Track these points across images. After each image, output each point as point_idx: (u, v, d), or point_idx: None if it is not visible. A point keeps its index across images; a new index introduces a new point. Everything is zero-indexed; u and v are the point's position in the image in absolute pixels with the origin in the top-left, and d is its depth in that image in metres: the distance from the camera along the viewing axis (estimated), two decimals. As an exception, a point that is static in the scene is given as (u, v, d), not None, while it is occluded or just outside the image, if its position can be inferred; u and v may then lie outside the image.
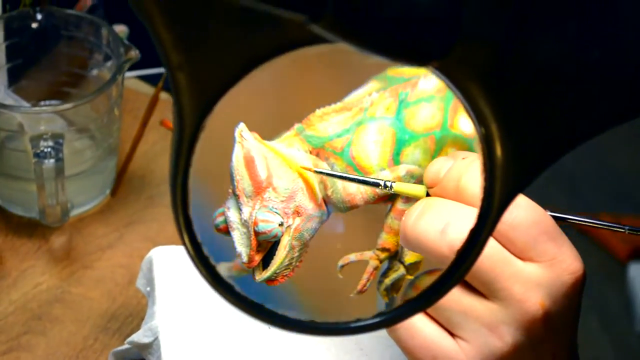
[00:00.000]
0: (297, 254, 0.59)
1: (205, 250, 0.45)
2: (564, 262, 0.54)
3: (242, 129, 0.58)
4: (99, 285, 0.84)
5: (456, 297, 0.54)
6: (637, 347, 1.68)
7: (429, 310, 0.55)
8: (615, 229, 0.55)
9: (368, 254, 0.61)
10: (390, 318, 0.46)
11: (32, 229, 0.88)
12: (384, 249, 0.60)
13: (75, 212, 0.90)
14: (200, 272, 0.45)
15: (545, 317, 0.53)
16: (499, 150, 0.44)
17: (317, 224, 0.60)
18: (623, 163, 1.81)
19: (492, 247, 0.53)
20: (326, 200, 0.60)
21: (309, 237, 0.60)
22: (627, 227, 0.55)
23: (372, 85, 0.63)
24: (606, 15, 0.42)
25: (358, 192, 0.59)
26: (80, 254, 0.86)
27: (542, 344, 0.54)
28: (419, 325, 0.55)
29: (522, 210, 0.54)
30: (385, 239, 0.60)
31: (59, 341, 0.79)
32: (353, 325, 0.46)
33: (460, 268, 0.45)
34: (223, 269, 0.65)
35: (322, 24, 0.38)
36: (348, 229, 0.66)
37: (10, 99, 0.84)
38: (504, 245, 0.54)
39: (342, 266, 0.61)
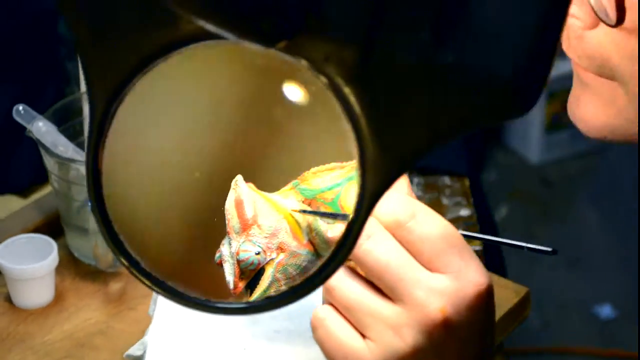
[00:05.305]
0: (282, 287, 0.66)
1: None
2: (468, 274, 0.58)
3: (237, 179, 0.66)
4: (138, 323, 0.93)
5: (366, 299, 0.59)
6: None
7: (344, 312, 0.60)
8: (516, 246, 0.59)
9: None
10: (250, 307, 0.55)
11: (95, 275, 0.99)
12: None
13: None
14: (105, 238, 0.53)
15: (446, 323, 0.57)
16: (368, 144, 0.49)
17: (302, 262, 0.66)
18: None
19: (399, 253, 0.58)
20: (312, 242, 0.67)
21: (295, 272, 0.66)
22: (526, 246, 0.58)
23: None
24: (462, 23, 0.47)
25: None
26: (129, 298, 0.97)
27: (445, 350, 0.58)
28: (335, 326, 0.59)
29: (433, 225, 0.59)
30: None
31: (93, 366, 0.90)
32: (218, 305, 0.54)
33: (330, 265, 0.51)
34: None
35: None
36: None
37: (78, 154, 0.95)
38: (413, 256, 0.58)
39: None
